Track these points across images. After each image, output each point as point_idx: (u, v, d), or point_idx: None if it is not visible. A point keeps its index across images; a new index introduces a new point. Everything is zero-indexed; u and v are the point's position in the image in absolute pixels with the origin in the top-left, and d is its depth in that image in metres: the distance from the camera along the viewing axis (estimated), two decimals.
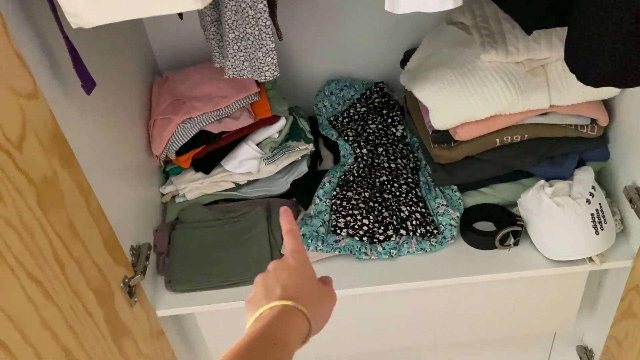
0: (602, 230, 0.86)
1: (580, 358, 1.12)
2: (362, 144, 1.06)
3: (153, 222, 1.00)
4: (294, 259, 0.57)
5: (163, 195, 1.05)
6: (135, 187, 0.94)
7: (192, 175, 1.02)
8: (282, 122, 1.02)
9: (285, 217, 0.61)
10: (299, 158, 1.03)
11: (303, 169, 1.04)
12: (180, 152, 0.98)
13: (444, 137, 0.92)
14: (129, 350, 0.82)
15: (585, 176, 0.89)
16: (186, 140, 0.97)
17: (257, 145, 1.01)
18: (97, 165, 0.78)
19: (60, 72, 0.70)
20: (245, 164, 1.00)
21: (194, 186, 1.02)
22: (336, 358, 1.19)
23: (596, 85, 0.63)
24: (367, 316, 1.05)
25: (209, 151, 1.00)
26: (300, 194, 1.03)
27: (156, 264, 0.97)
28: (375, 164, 1.03)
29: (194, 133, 0.97)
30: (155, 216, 1.02)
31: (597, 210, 0.86)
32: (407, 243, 0.93)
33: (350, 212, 0.95)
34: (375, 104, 1.12)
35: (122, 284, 0.81)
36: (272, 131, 1.02)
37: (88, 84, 0.69)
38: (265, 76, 0.82)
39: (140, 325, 0.86)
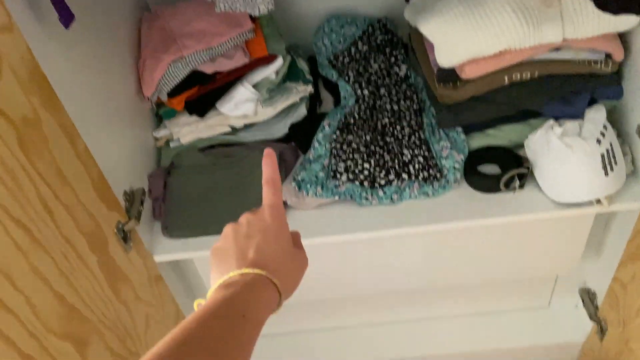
0: (612, 171, 0.82)
1: (583, 300, 1.12)
2: (363, 85, 1.02)
3: (147, 167, 0.97)
4: (271, 216, 0.52)
5: (157, 139, 1.01)
6: (127, 130, 0.90)
7: (186, 118, 0.98)
8: (279, 62, 0.97)
9: (267, 162, 0.54)
10: (298, 100, 0.99)
11: (302, 111, 1.00)
12: (172, 93, 0.94)
13: (450, 75, 0.87)
14: (127, 296, 0.81)
15: (597, 115, 0.85)
16: (178, 81, 0.92)
17: (254, 86, 0.96)
18: (83, 106, 0.74)
19: (36, 3, 0.65)
20: (241, 107, 0.96)
21: (188, 130, 0.98)
22: (338, 301, 1.20)
23: (615, 11, 0.58)
24: (369, 261, 1.04)
25: (202, 93, 0.95)
26: (299, 137, 0.99)
27: (152, 209, 0.95)
28: (377, 106, 0.99)
29: (186, 73, 0.92)
30: (149, 161, 0.99)
31: (607, 150, 0.82)
32: (409, 187, 0.90)
33: (351, 156, 0.91)
34: (378, 41, 1.06)
35: (115, 230, 0.79)
36: (269, 71, 0.97)
37: (65, 16, 0.64)
38: (259, 9, 0.77)
39: (138, 270, 0.85)
